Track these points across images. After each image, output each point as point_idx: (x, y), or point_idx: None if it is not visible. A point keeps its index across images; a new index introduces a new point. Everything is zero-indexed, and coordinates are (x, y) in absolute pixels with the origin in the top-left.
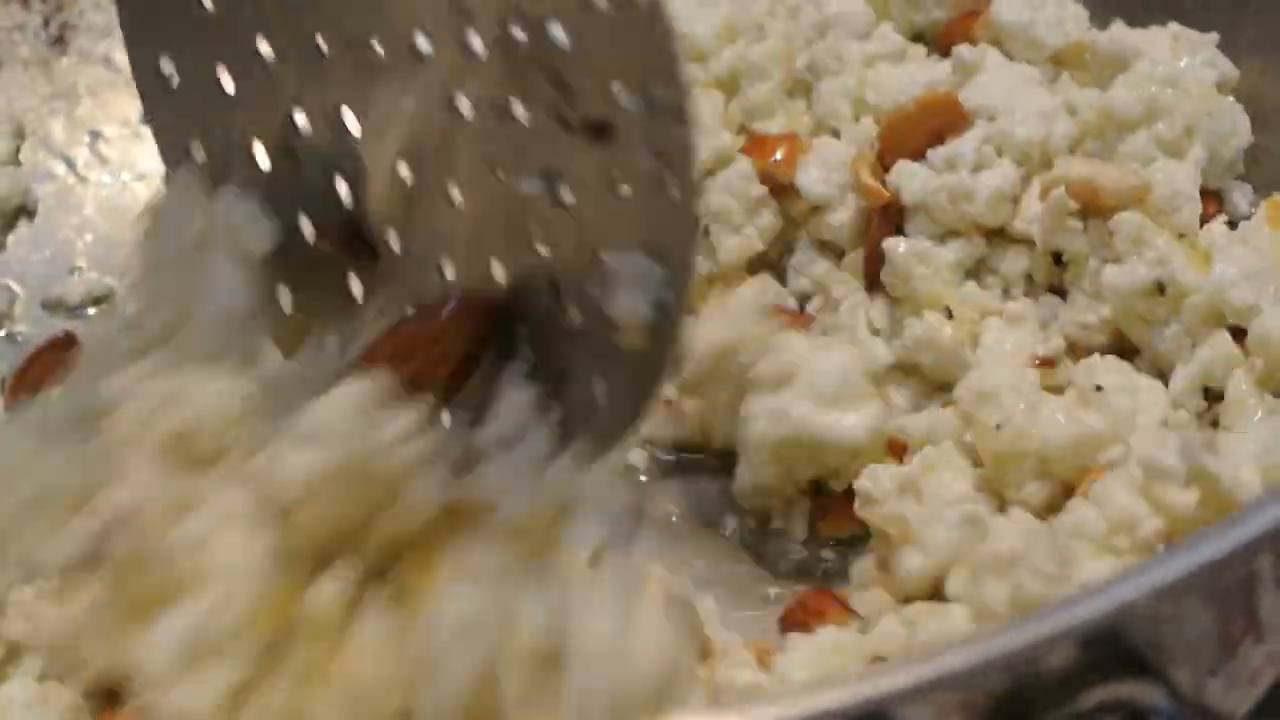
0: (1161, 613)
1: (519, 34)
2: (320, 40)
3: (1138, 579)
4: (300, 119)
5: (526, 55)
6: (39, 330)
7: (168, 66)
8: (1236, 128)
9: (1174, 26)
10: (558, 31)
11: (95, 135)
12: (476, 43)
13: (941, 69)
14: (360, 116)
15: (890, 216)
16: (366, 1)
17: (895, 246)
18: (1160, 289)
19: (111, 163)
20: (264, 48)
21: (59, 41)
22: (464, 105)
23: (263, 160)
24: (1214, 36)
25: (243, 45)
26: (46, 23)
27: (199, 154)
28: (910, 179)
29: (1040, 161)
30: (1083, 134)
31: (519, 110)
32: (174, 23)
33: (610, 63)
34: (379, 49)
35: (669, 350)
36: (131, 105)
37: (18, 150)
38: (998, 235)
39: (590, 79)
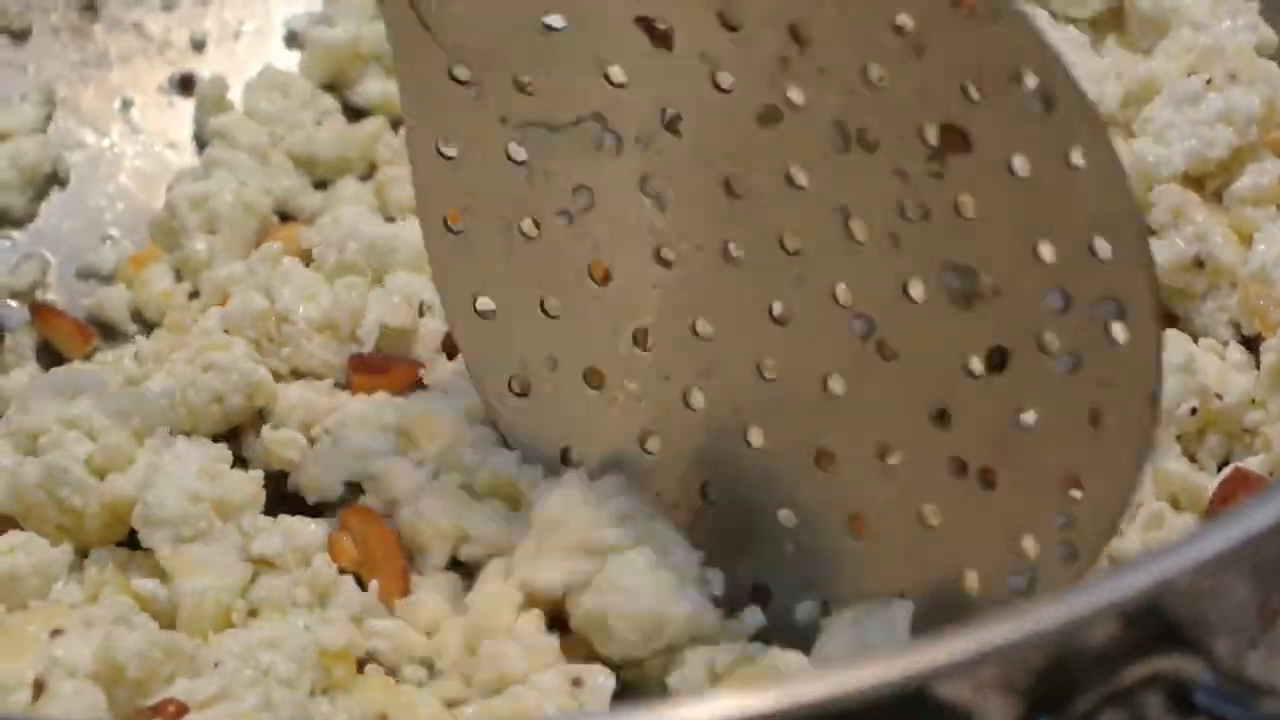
0: (1202, 586)
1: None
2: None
3: (1179, 553)
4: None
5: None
6: (72, 299)
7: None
8: (1276, 93)
9: None
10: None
11: (127, 103)
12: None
13: None
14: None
15: None
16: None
17: None
18: (1199, 264)
19: (143, 131)
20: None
21: (89, 8)
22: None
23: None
24: (1255, 4)
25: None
26: None
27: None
28: None
29: None
30: (1128, 100)
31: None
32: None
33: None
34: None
35: None
36: (163, 73)
37: (49, 118)
38: None
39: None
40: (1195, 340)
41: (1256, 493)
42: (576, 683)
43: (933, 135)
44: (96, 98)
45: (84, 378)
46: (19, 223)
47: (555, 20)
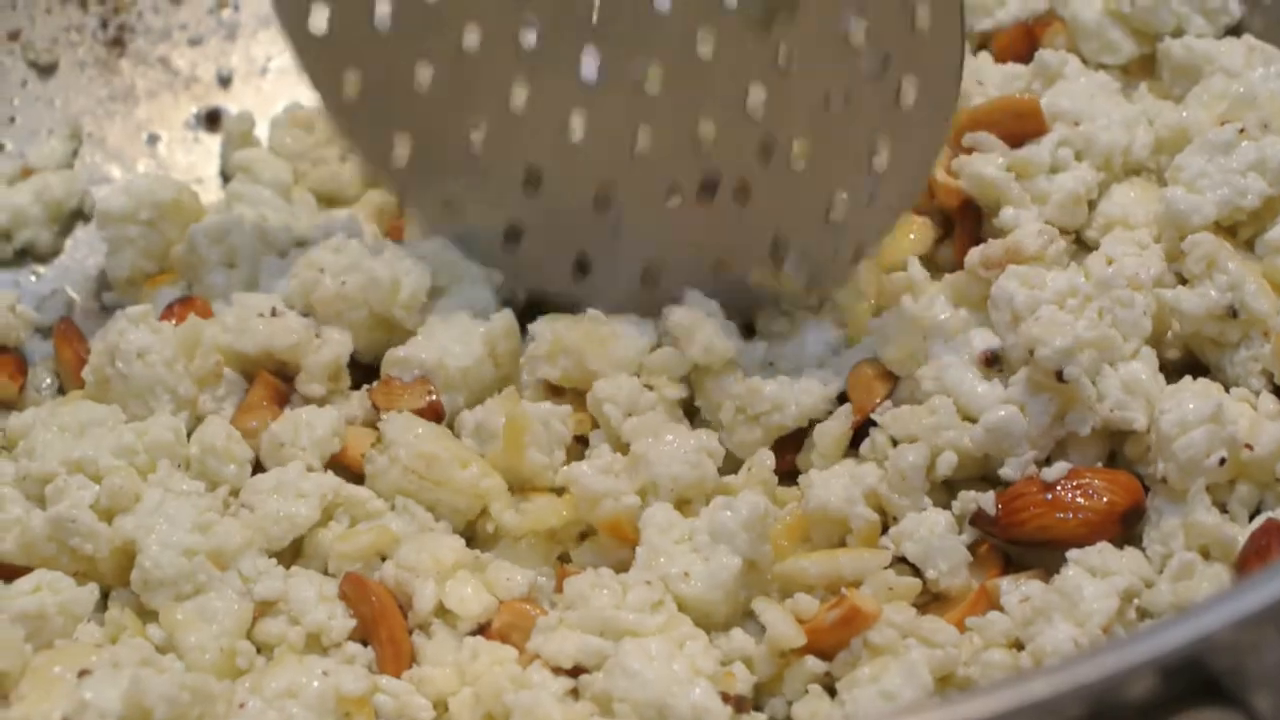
0: (1242, 641)
1: None
2: None
3: (1218, 608)
4: None
5: None
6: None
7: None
8: None
9: (1249, 39)
10: None
11: (153, 138)
12: None
13: (1015, 72)
14: None
15: (970, 217)
16: None
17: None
18: (1233, 313)
19: (169, 166)
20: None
21: (116, 44)
22: None
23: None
24: None
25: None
26: (104, 24)
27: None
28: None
29: (1123, 168)
30: (1159, 146)
31: None
32: None
33: None
34: None
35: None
36: (189, 108)
37: (75, 153)
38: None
39: None
40: (1227, 390)
41: None
42: None
43: None
44: (123, 133)
45: (87, 413)
46: (45, 257)
47: None
